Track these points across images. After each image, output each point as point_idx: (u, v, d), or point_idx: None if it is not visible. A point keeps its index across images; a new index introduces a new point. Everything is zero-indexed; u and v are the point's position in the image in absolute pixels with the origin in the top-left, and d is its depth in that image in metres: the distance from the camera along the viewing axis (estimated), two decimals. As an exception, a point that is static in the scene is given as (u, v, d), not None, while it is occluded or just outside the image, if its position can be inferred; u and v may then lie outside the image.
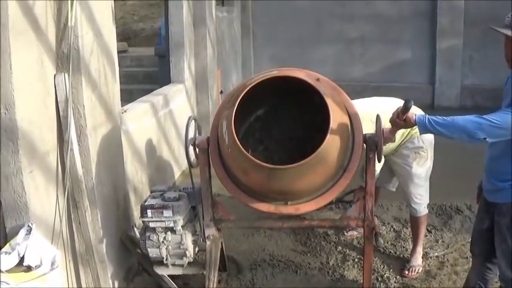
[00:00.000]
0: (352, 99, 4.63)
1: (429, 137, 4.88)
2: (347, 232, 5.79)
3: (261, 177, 3.70)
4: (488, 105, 12.36)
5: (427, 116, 3.52)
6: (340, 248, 5.59)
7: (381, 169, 5.08)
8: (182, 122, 7.29)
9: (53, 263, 3.48)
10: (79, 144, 4.05)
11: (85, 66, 4.02)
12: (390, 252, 5.54)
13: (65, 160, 3.91)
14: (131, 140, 5.43)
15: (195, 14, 8.18)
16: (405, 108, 3.53)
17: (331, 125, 3.55)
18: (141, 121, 5.85)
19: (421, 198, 5.09)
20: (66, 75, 3.86)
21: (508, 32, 3.31)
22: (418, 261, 5.24)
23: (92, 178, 4.16)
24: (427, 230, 5.77)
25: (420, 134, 3.85)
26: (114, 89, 4.60)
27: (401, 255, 5.47)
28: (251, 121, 4.38)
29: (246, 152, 3.59)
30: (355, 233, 5.74)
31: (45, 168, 3.79)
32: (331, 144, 3.60)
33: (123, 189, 4.82)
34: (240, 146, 3.58)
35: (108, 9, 4.49)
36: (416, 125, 3.55)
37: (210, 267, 4.27)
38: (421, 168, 4.98)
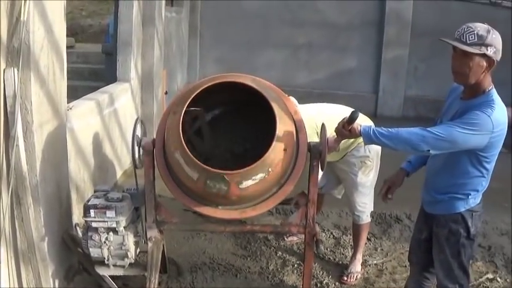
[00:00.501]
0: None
1: (376, 147, 4.96)
2: (287, 237, 5.85)
3: (204, 181, 3.71)
4: (430, 116, 12.61)
5: (372, 127, 3.58)
6: (280, 253, 5.65)
7: (328, 176, 5.18)
8: (126, 122, 7.31)
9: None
10: (25, 141, 3.98)
11: (35, 62, 3.97)
12: (329, 258, 5.61)
13: (10, 156, 3.85)
14: (75, 137, 5.37)
15: (144, 13, 8.13)
16: (351, 119, 3.57)
17: (277, 133, 3.59)
18: (86, 119, 5.80)
19: (364, 207, 5.18)
20: (16, 70, 3.80)
21: (458, 45, 3.38)
22: (357, 268, 5.34)
23: (36, 175, 4.09)
24: (367, 238, 5.86)
25: (365, 145, 3.92)
26: (62, 86, 4.56)
27: (341, 262, 5.55)
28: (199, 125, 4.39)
29: (192, 156, 3.59)
30: (295, 238, 5.80)
31: (-12, 164, 3.74)
32: (276, 152, 3.64)
33: (66, 188, 4.76)
34: (187, 149, 3.59)
35: (60, 6, 4.44)
36: (361, 135, 3.60)
37: (151, 269, 4.26)
38: (366, 177, 5.08)
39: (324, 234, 6.09)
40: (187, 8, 12.12)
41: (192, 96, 3.69)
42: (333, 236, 6.10)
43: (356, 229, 5.36)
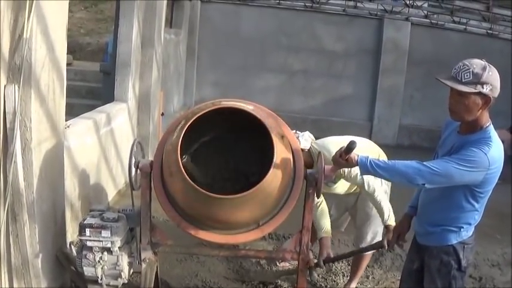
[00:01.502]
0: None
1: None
2: (279, 263, 5.80)
3: (201, 205, 3.73)
4: (424, 145, 12.76)
5: (369, 157, 3.58)
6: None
7: (338, 211, 5.20)
8: (122, 142, 7.32)
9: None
10: (23, 158, 4.01)
11: (35, 79, 4.00)
12: (321, 285, 5.59)
13: (8, 173, 3.87)
14: (72, 156, 5.38)
15: (144, 34, 8.18)
16: (348, 149, 3.58)
17: (274, 160, 3.61)
18: (83, 138, 5.81)
19: (374, 238, 5.18)
20: (17, 87, 3.83)
21: (452, 84, 3.39)
22: None
23: (33, 192, 4.11)
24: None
25: (361, 175, 3.93)
26: (61, 105, 4.59)
27: None
28: (196, 149, 4.42)
29: (189, 180, 3.60)
30: (287, 264, 5.76)
31: (-15, 179, 3.76)
32: (273, 179, 3.66)
33: (61, 206, 4.77)
34: (184, 173, 3.60)
35: (63, 25, 4.48)
36: (357, 165, 3.60)
37: (144, 290, 4.26)
38: None
39: (316, 261, 6.06)
40: (185, 30, 12.19)
41: (191, 122, 3.71)
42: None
43: (359, 258, 5.34)
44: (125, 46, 7.76)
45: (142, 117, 8.52)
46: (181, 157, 3.65)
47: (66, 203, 5.18)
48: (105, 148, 6.73)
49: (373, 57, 13.64)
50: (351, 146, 3.56)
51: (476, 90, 3.33)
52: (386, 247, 4.38)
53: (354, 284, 5.40)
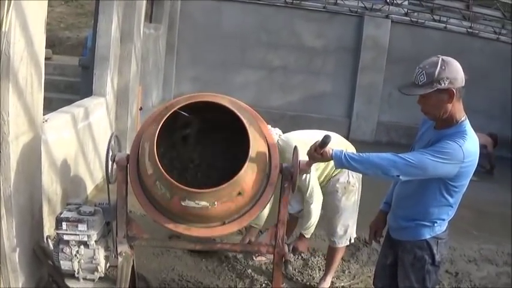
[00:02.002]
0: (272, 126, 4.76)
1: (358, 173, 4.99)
2: (256, 257, 5.85)
3: (176, 199, 3.72)
4: (402, 142, 12.88)
5: (343, 151, 3.60)
6: (249, 271, 5.67)
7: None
8: (100, 136, 7.31)
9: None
10: (0, 151, 4.00)
11: (13, 73, 3.98)
12: (297, 279, 5.63)
13: (-16, 166, 3.89)
14: (50, 150, 5.37)
15: (123, 29, 8.16)
16: (323, 143, 3.61)
17: (250, 154, 3.63)
18: (60, 132, 5.80)
19: (345, 230, 5.23)
20: (-5, 80, 3.85)
21: (411, 91, 3.49)
22: None
23: (10, 186, 4.10)
24: (335, 260, 5.92)
25: (335, 168, 3.95)
26: (39, 99, 4.57)
27: (308, 283, 5.57)
28: (173, 143, 4.41)
29: (165, 174, 3.60)
30: (263, 258, 5.81)
31: (-37, 172, 3.76)
32: (248, 173, 3.68)
33: (39, 200, 4.76)
34: (160, 167, 3.60)
35: (42, 19, 4.46)
36: (332, 159, 3.63)
37: (120, 283, 4.25)
38: (349, 201, 5.15)
39: (292, 255, 6.07)
40: (165, 25, 12.17)
41: (168, 114, 3.72)
42: (302, 257, 6.10)
43: (332, 252, 5.41)
44: (104, 40, 7.73)
45: (121, 111, 8.50)
46: (157, 151, 3.65)
47: (44, 197, 5.17)
48: (83, 142, 6.72)
49: (353, 55, 13.71)
50: (325, 140, 3.60)
51: (433, 89, 3.40)
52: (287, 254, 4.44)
53: (329, 278, 5.45)
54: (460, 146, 3.39)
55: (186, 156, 4.43)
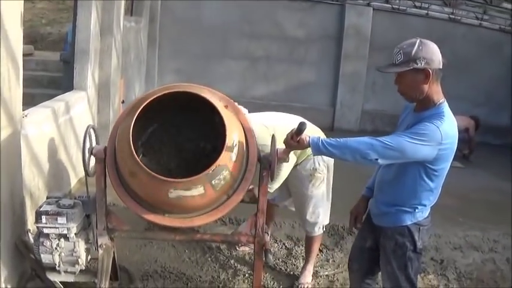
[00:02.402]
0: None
1: (325, 159, 5.01)
2: (239, 247, 5.87)
3: (154, 190, 3.76)
4: (388, 130, 12.87)
5: (320, 138, 3.60)
6: (232, 262, 5.68)
7: (280, 188, 5.23)
8: (82, 130, 7.19)
9: None
10: (-23, 147, 4.04)
11: (-10, 69, 4.02)
12: (281, 269, 5.65)
13: (-37, 162, 3.91)
14: (30, 145, 5.37)
15: (102, 22, 8.16)
16: (299, 130, 3.59)
17: (226, 143, 3.64)
18: (41, 126, 5.79)
19: (315, 219, 5.20)
20: (-30, 77, 3.87)
21: (387, 69, 3.55)
22: (307, 279, 5.36)
23: (-11, 182, 4.13)
24: (319, 249, 5.89)
25: (313, 155, 3.94)
26: (17, 94, 4.58)
27: (292, 273, 5.58)
28: (150, 133, 4.44)
29: (141, 164, 3.63)
30: (247, 248, 5.83)
31: None
32: (225, 161, 3.68)
33: (19, 195, 4.77)
34: (136, 157, 3.62)
35: (17, 14, 4.47)
36: (309, 146, 3.62)
37: (101, 275, 4.29)
38: (317, 189, 5.10)
39: (276, 244, 6.14)
40: (146, 18, 12.15)
41: (143, 106, 3.74)
42: (285, 246, 6.14)
43: (308, 241, 5.42)
44: (83, 34, 7.73)
45: (103, 105, 8.51)
46: (134, 142, 3.67)
47: (26, 191, 5.18)
48: (64, 137, 6.72)
49: (335, 43, 13.71)
50: (301, 128, 3.59)
51: (409, 68, 3.45)
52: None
53: (310, 266, 5.45)
54: (438, 127, 3.41)
55: (164, 148, 4.45)
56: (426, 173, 3.60)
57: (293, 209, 5.52)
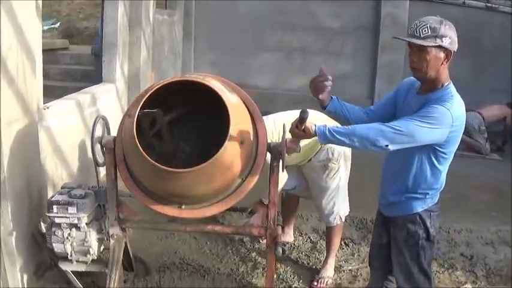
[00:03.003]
0: (290, 109, 4.82)
1: (339, 149, 4.96)
2: (262, 240, 5.71)
3: (160, 181, 3.76)
4: (426, 120, 12.70)
5: (327, 126, 3.50)
6: (253, 255, 5.65)
7: (299, 180, 5.21)
8: (111, 122, 7.36)
9: None
10: (-9, 138, 4.11)
11: (2, 61, 4.07)
12: (303, 262, 5.59)
13: (-23, 152, 3.99)
14: (52, 136, 5.45)
15: (131, 15, 8.22)
16: (301, 119, 3.51)
17: (230, 132, 3.59)
18: (64, 118, 5.87)
19: (331, 209, 5.16)
20: (-17, 68, 3.95)
21: (412, 40, 3.43)
22: (328, 272, 5.29)
23: (4, 171, 4.20)
24: (345, 243, 5.89)
25: (321, 145, 3.85)
26: (33, 85, 4.64)
27: (314, 267, 5.50)
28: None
29: (145, 155, 3.62)
30: None
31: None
32: (231, 152, 3.65)
33: (37, 184, 4.84)
34: (140, 148, 3.61)
35: (32, 7, 4.53)
36: (316, 135, 3.53)
37: (112, 265, 4.30)
38: (332, 180, 5.07)
39: (301, 238, 6.07)
40: (181, 12, 12.18)
41: (146, 97, 3.75)
42: (310, 240, 6.06)
43: (327, 232, 5.38)
44: (111, 27, 7.79)
45: (132, 97, 8.47)
46: (138, 133, 3.68)
47: (48, 182, 5.28)
48: (90, 128, 6.78)
49: (371, 34, 13.53)
50: (303, 116, 3.50)
51: (436, 44, 3.37)
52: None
53: (331, 260, 5.38)
54: (448, 109, 3.36)
55: (175, 138, 4.45)
56: (436, 157, 3.54)
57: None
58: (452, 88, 3.52)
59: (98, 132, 4.30)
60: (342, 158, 5.05)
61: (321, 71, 3.90)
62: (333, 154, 4.99)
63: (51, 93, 6.90)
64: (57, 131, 5.59)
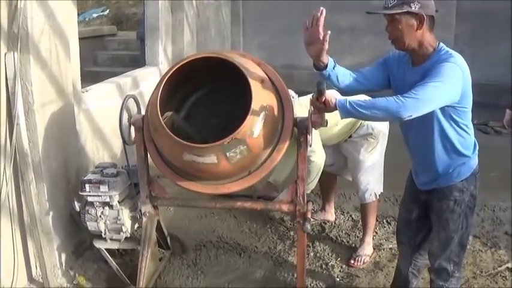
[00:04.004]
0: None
1: (379, 126, 4.98)
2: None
3: (171, 150, 3.83)
4: (477, 99, 12.49)
5: (348, 99, 3.44)
6: (291, 234, 5.64)
7: (336, 158, 5.21)
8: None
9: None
10: (26, 120, 4.24)
11: (34, 45, 4.20)
12: (343, 241, 5.57)
13: (12, 134, 4.13)
14: (92, 119, 5.57)
15: (172, -2, 8.32)
16: (319, 91, 3.47)
17: (252, 107, 3.59)
18: (104, 101, 5.97)
19: (366, 186, 5.15)
20: (16, 53, 4.07)
21: (380, 11, 3.51)
22: (365, 251, 5.26)
23: (38, 152, 4.32)
24: (386, 221, 5.85)
25: (342, 118, 3.82)
26: (68, 68, 4.75)
27: (354, 245, 5.46)
28: (184, 102, 4.49)
29: (169, 132, 3.67)
30: (320, 218, 5.85)
31: (-8, 141, 4.00)
32: (254, 124, 3.64)
33: (75, 165, 4.96)
34: (164, 125, 3.67)
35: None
36: (337, 108, 3.47)
37: (144, 243, 4.37)
38: (369, 155, 5.06)
39: (342, 216, 6.05)
40: (227, -5, 12.22)
41: (168, 77, 3.80)
42: (352, 218, 6.03)
43: (362, 209, 5.36)
44: (152, 10, 7.92)
45: (176, 80, 8.65)
46: (161, 110, 3.73)
47: (89, 164, 5.40)
48: (132, 111, 6.88)
49: (421, 12, 13.35)
50: (319, 87, 3.46)
51: (403, 10, 3.36)
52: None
53: (368, 238, 5.34)
54: (454, 63, 3.35)
55: (202, 116, 4.50)
56: (458, 114, 3.47)
57: (350, 179, 5.44)
58: (444, 47, 3.50)
59: (134, 111, 4.37)
60: (380, 135, 5.04)
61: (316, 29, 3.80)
62: (373, 129, 4.99)
63: (100, 78, 7.09)
64: (97, 114, 5.70)
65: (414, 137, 3.74)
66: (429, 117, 3.46)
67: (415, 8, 3.37)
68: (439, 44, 3.52)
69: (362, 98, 3.77)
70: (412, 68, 3.59)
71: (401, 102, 3.28)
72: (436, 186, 3.73)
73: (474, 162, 3.65)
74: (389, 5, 3.42)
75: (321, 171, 4.85)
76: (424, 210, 3.90)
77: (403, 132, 3.82)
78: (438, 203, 3.72)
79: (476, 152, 3.67)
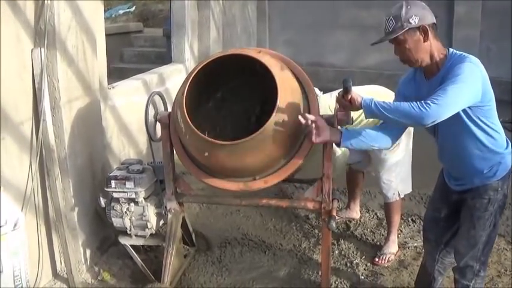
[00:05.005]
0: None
1: None
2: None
3: (195, 147, 3.85)
4: (504, 98, 12.36)
5: (373, 99, 3.46)
6: (316, 231, 5.62)
7: (362, 155, 5.18)
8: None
9: (15, 224, 3.66)
10: (53, 116, 4.26)
11: (61, 42, 4.22)
12: (367, 239, 5.54)
13: (38, 130, 4.15)
14: (118, 115, 5.59)
15: (198, -4, 8.32)
16: (345, 89, 3.51)
17: (278, 103, 3.59)
18: (130, 97, 5.99)
19: (389, 184, 5.10)
20: (42, 49, 4.09)
21: (383, 39, 3.50)
22: (390, 249, 5.22)
23: (64, 148, 4.35)
24: (412, 219, 5.81)
25: (366, 118, 3.81)
26: (94, 65, 4.76)
27: (379, 243, 5.44)
28: (210, 100, 4.51)
29: (194, 129, 3.67)
30: (345, 215, 5.82)
31: (19, 136, 4.04)
32: (280, 122, 3.64)
33: (100, 161, 4.98)
34: (190, 123, 3.67)
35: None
36: (361, 107, 3.51)
37: (169, 239, 4.39)
38: (393, 154, 4.98)
39: (367, 214, 6.02)
40: (253, -8, 12.21)
41: (195, 73, 3.82)
42: (377, 216, 5.99)
43: (386, 208, 5.31)
44: (179, 7, 7.92)
45: (202, 77, 8.65)
46: (188, 108, 3.73)
47: (115, 160, 5.42)
48: (159, 108, 6.90)
49: (446, 9, 13.19)
50: (346, 85, 3.50)
51: (405, 29, 3.34)
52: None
53: (393, 236, 5.30)
54: (470, 62, 3.31)
55: (228, 113, 4.49)
56: (483, 114, 3.42)
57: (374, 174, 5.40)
58: (455, 51, 3.46)
59: (160, 108, 4.38)
60: (405, 135, 4.96)
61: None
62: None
63: (126, 75, 7.11)
64: (123, 110, 5.73)
65: (443, 141, 3.71)
66: (455, 121, 3.41)
67: (415, 22, 3.35)
68: (449, 50, 3.49)
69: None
70: (427, 81, 3.55)
71: (424, 109, 3.26)
72: (472, 186, 3.68)
73: (509, 160, 3.60)
74: (390, 29, 3.41)
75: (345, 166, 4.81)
76: (453, 210, 3.86)
77: (432, 135, 3.79)
78: (472, 201, 3.67)
79: (510, 149, 3.61)
